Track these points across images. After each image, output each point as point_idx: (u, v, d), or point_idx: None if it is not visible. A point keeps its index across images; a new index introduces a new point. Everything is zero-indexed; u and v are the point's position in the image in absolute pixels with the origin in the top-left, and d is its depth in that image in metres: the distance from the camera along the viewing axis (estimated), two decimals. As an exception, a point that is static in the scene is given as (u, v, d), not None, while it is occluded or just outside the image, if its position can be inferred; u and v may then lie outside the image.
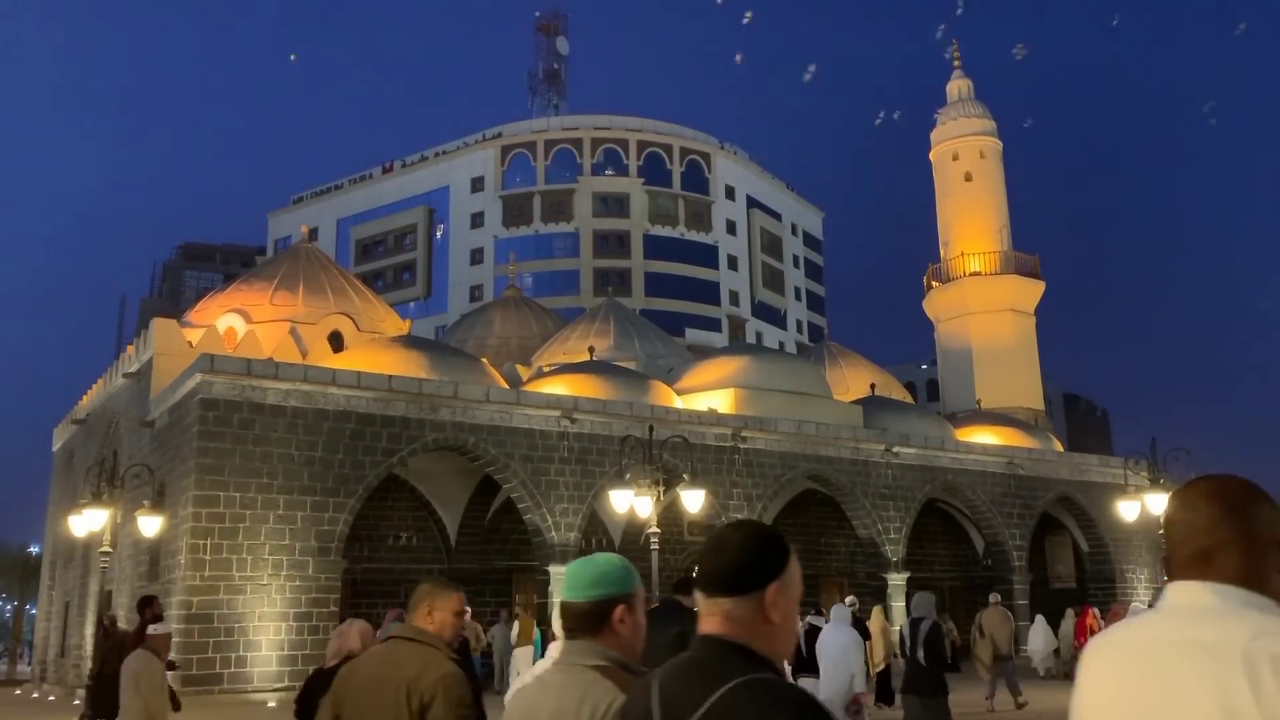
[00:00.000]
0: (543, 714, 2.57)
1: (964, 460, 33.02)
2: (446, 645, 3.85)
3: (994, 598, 22.73)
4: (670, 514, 27.31)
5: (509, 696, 3.12)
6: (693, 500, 20.00)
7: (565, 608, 2.69)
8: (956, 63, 52.72)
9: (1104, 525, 34.90)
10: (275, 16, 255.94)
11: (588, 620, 2.63)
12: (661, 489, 19.28)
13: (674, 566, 31.52)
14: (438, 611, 3.91)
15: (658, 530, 19.28)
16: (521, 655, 22.83)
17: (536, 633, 23.86)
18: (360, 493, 22.65)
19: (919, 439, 32.12)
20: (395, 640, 3.88)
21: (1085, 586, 35.43)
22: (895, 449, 31.09)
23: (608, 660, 2.58)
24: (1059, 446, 39.49)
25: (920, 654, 10.51)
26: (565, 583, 2.75)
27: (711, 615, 2.04)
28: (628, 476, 19.83)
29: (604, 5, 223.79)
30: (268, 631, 21.07)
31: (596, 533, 30.23)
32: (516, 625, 23.53)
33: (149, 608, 11.79)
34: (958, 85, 52.18)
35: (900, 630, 11.56)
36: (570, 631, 2.68)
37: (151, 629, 9.30)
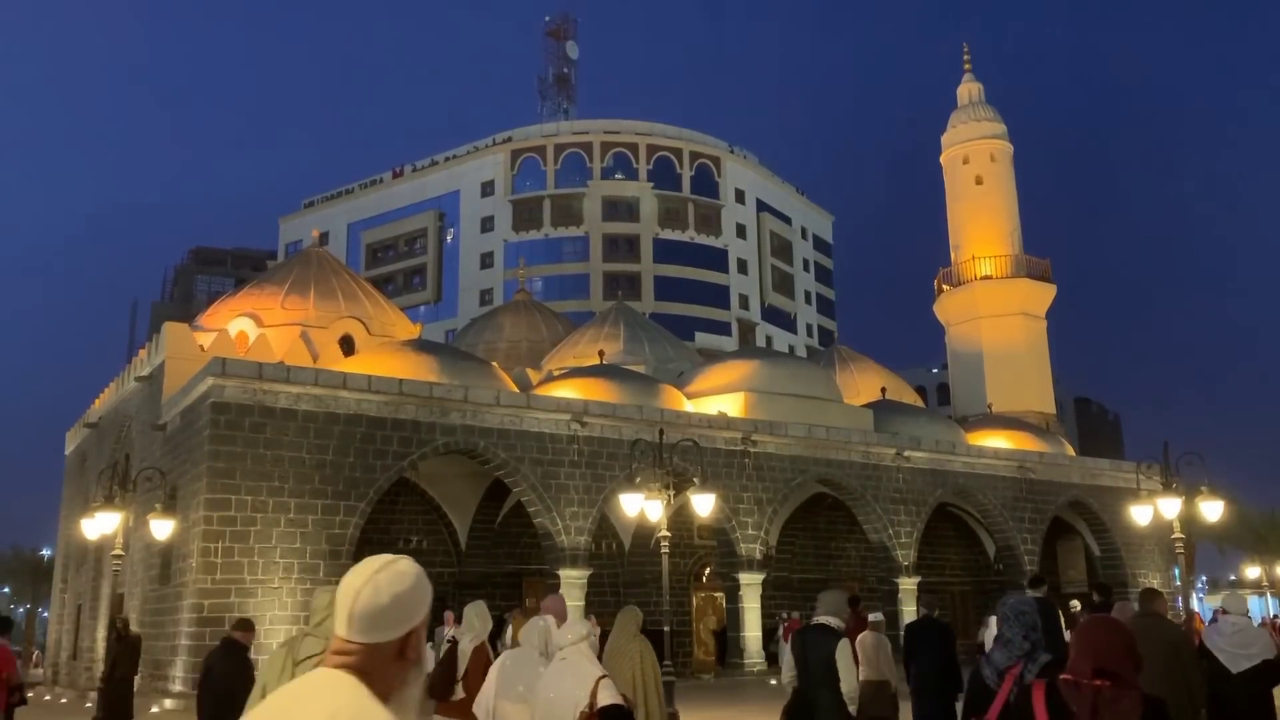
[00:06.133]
0: None
1: (975, 464, 32.93)
2: None
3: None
4: (680, 517, 27.29)
5: None
6: (703, 504, 19.95)
7: None
8: (967, 66, 52.65)
9: (1116, 529, 34.77)
10: (285, 20, 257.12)
11: None
12: (672, 493, 19.25)
13: (683, 570, 31.51)
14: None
15: (668, 534, 19.25)
16: None
17: None
18: (371, 496, 22.69)
19: (930, 443, 32.02)
20: None
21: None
22: (906, 453, 31.01)
23: None
24: (1070, 450, 39.35)
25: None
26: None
27: None
28: (638, 480, 19.79)
29: (613, 10, 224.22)
30: (279, 635, 21.09)
31: (606, 536, 30.23)
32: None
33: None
34: (968, 89, 52.09)
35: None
36: None
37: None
